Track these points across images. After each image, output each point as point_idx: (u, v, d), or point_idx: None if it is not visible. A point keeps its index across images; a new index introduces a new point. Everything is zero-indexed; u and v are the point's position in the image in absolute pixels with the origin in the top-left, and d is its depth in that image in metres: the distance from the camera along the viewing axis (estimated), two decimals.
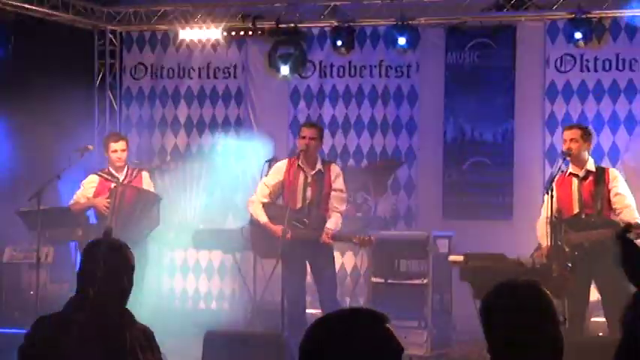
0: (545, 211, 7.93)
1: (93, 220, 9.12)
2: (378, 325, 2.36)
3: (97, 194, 8.80)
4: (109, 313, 3.93)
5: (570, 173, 7.95)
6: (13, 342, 7.46)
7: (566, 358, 2.84)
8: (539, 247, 8.00)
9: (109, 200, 8.70)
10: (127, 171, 8.94)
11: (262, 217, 8.27)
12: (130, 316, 4.00)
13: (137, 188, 8.88)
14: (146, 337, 4.02)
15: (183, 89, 11.84)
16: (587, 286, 7.85)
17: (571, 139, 7.90)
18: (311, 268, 8.33)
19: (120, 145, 8.87)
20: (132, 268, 3.99)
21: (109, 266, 3.90)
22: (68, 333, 3.86)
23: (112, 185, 8.79)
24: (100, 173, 8.95)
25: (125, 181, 8.83)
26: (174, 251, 11.52)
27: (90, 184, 8.87)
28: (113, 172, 8.89)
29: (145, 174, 9.10)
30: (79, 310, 3.91)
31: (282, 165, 8.36)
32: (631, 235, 8.31)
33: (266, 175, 8.38)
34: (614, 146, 10.25)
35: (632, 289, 2.89)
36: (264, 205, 8.32)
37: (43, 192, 8.52)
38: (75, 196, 8.90)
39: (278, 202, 8.44)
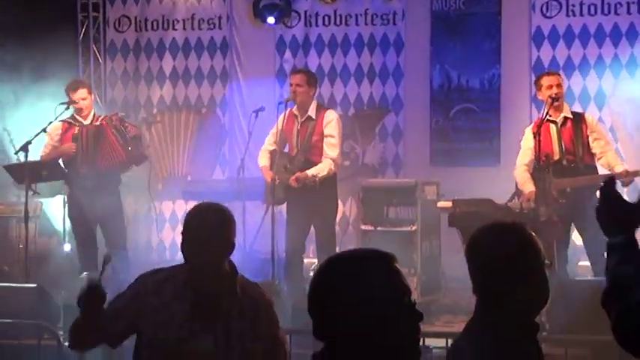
0: (522, 158, 7.96)
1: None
2: (388, 264, 2.39)
3: (64, 141, 8.67)
4: (204, 278, 3.76)
5: (548, 120, 7.93)
6: (3, 295, 7.52)
7: (553, 299, 2.86)
8: (517, 193, 8.02)
9: (75, 144, 8.59)
10: (93, 118, 8.72)
11: (262, 162, 8.53)
12: (232, 282, 3.78)
13: (101, 127, 8.66)
14: (255, 307, 3.76)
15: (167, 41, 11.74)
16: (569, 231, 7.91)
17: (557, 85, 7.94)
18: (312, 214, 8.39)
19: (79, 94, 8.62)
20: (224, 233, 3.76)
21: (204, 229, 3.73)
22: (165, 291, 3.80)
23: (76, 129, 8.68)
24: (63, 119, 8.73)
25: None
26: (162, 203, 11.51)
27: (55, 131, 8.68)
28: (78, 117, 8.72)
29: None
30: (181, 271, 3.84)
31: (281, 113, 8.44)
32: (619, 182, 8.31)
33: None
34: (600, 90, 10.25)
35: None
36: (270, 152, 8.54)
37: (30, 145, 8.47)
38: (44, 147, 8.77)
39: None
